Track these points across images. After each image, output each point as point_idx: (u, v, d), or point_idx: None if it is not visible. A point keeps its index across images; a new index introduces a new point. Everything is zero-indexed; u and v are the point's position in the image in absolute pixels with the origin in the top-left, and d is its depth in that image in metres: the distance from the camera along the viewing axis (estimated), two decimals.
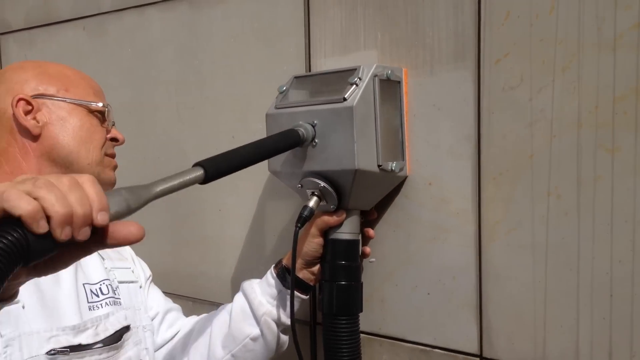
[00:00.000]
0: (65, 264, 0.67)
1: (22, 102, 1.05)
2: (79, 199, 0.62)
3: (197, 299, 1.52)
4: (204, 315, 1.28)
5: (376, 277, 1.19)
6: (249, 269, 1.39)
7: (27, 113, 1.05)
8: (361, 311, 1.13)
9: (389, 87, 1.09)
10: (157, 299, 1.26)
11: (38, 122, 1.06)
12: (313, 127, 1.05)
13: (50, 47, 1.80)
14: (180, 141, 1.51)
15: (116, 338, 1.06)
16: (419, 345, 1.14)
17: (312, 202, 1.09)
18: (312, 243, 1.12)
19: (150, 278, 1.27)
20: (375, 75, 1.05)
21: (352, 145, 1.02)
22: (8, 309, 0.91)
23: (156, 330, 1.22)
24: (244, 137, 1.23)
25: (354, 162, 1.02)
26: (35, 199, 0.59)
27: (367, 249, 1.18)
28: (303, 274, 1.15)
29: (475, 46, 1.04)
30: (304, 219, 1.08)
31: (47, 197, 0.60)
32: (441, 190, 1.09)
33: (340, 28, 1.21)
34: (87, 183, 0.64)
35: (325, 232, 1.12)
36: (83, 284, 1.07)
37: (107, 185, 1.13)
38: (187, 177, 0.83)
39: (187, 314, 1.31)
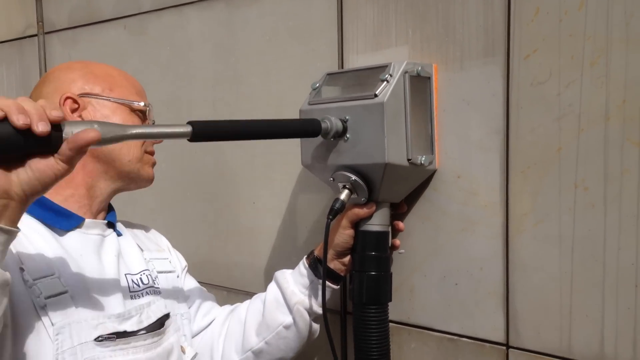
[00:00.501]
0: (43, 180, 0.78)
1: (69, 101, 1.11)
2: (31, 103, 0.77)
3: (232, 289, 1.57)
4: (237, 304, 1.32)
5: (405, 267, 1.22)
6: (282, 260, 1.43)
7: (73, 111, 1.11)
8: (390, 300, 1.16)
9: (419, 83, 1.12)
10: (193, 288, 1.30)
11: (83, 119, 1.11)
12: (344, 122, 1.09)
13: (93, 46, 1.87)
14: None
15: (158, 325, 1.11)
16: (446, 334, 1.17)
17: (343, 195, 1.12)
18: (343, 234, 1.16)
19: (186, 268, 1.32)
20: (406, 72, 1.08)
21: (382, 140, 1.05)
22: (57, 299, 0.97)
23: (192, 318, 1.27)
24: None
25: (384, 156, 1.05)
26: None
27: (397, 242, 1.21)
28: (334, 265, 1.18)
29: (505, 42, 1.06)
30: (336, 211, 1.11)
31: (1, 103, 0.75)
32: (470, 183, 1.12)
33: (373, 25, 1.24)
34: (42, 101, 0.80)
35: (356, 224, 1.16)
36: (125, 275, 1.12)
37: (145, 181, 1.18)
38: (172, 130, 0.88)
39: (221, 303, 1.35)
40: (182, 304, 1.23)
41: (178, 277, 1.26)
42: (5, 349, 0.89)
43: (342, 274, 1.20)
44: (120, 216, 1.23)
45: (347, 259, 1.18)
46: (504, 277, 1.08)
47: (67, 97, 1.10)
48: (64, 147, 0.78)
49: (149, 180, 1.18)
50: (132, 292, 1.11)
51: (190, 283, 1.31)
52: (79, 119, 1.11)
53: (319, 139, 1.10)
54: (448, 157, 1.14)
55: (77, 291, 1.01)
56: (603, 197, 0.96)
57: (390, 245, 1.18)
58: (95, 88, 1.13)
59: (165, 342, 1.12)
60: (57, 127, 0.78)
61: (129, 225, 1.24)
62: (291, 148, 1.29)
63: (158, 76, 1.69)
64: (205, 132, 0.92)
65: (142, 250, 1.20)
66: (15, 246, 0.95)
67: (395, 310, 1.22)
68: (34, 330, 0.93)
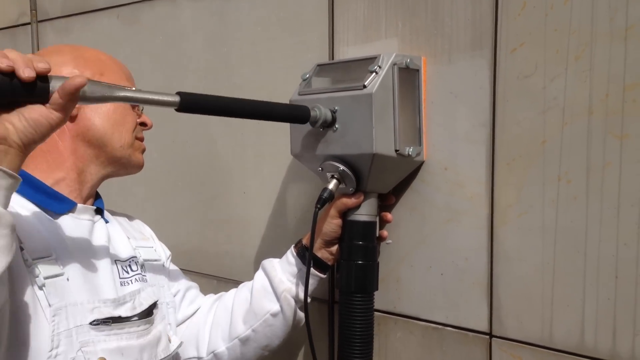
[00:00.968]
0: (37, 127, 0.82)
1: None
2: (17, 53, 0.80)
3: (222, 278, 1.59)
4: (222, 293, 1.34)
5: (392, 258, 1.23)
6: (271, 249, 1.44)
7: None
8: (376, 289, 1.17)
9: (408, 75, 1.13)
10: (177, 277, 1.32)
11: None
12: (334, 112, 1.10)
13: (86, 35, 1.88)
14: (208, 125, 1.57)
15: (148, 312, 1.12)
16: (431, 323, 1.19)
17: (331, 185, 1.13)
18: (331, 224, 1.17)
19: (170, 257, 1.33)
20: (395, 64, 1.10)
21: (370, 130, 1.07)
22: (54, 281, 0.98)
23: (178, 307, 1.28)
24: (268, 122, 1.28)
25: (372, 146, 1.07)
26: None
27: (385, 233, 1.23)
28: (322, 254, 1.20)
29: (492, 35, 1.07)
30: (324, 200, 1.13)
31: None
32: (456, 174, 1.13)
33: (363, 17, 1.25)
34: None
35: (344, 214, 1.17)
36: (115, 261, 1.13)
37: (135, 167, 1.18)
38: (160, 98, 0.90)
39: (210, 292, 1.37)
40: (167, 293, 1.24)
41: (164, 265, 1.28)
42: (4, 327, 0.89)
43: (329, 263, 1.21)
44: (112, 205, 1.24)
45: (334, 248, 1.20)
46: (488, 267, 1.10)
47: None
48: (55, 96, 0.82)
49: (139, 167, 1.19)
50: (122, 279, 1.12)
51: (174, 272, 1.32)
52: None
53: (308, 127, 1.11)
54: (435, 148, 1.16)
55: (73, 274, 1.02)
56: (585, 190, 0.98)
57: (377, 235, 1.19)
58: (86, 72, 1.13)
59: (155, 329, 1.13)
60: (44, 79, 0.82)
61: (113, 213, 1.24)
62: (281, 139, 1.30)
63: (150, 65, 1.70)
64: (193, 103, 0.94)
65: (128, 238, 1.21)
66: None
67: (382, 300, 1.23)
68: (32, 310, 0.94)
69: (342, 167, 1.12)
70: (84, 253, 1.06)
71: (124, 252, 1.17)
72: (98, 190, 1.18)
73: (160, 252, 1.29)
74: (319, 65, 1.21)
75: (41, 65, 0.81)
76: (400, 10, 1.19)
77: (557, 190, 1.01)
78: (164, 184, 1.68)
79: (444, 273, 1.16)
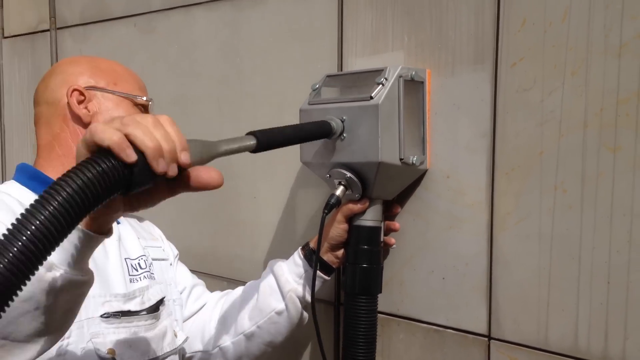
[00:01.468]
0: (153, 202, 0.76)
1: (76, 93, 1.17)
2: (163, 135, 0.69)
3: (232, 280, 1.63)
4: (228, 290, 1.39)
5: (396, 261, 1.28)
6: (280, 252, 1.48)
7: (80, 102, 1.17)
8: (380, 292, 1.22)
9: (413, 87, 1.18)
10: (184, 275, 1.38)
11: (89, 111, 1.18)
12: (342, 122, 1.15)
13: (103, 42, 1.94)
14: (221, 133, 1.62)
15: (155, 308, 1.17)
16: (433, 325, 1.23)
17: (338, 191, 1.18)
18: (338, 228, 1.22)
19: (178, 256, 1.39)
20: (400, 76, 1.14)
21: (376, 139, 1.11)
22: None
23: (184, 303, 1.34)
24: None
25: (378, 155, 1.11)
26: (125, 135, 0.67)
27: (392, 240, 1.27)
28: (327, 257, 1.25)
29: (493, 50, 1.12)
30: (331, 206, 1.17)
31: (135, 132, 0.67)
32: (458, 182, 1.18)
33: (371, 30, 1.30)
34: (167, 122, 0.72)
35: (350, 219, 1.22)
36: (125, 259, 1.19)
37: None
38: (243, 144, 0.88)
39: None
40: (174, 290, 1.30)
41: (171, 264, 1.33)
42: None
43: (334, 266, 1.26)
44: None
45: (340, 252, 1.24)
46: (487, 272, 1.15)
47: (74, 89, 1.17)
48: (178, 182, 0.75)
49: None
50: (131, 276, 1.18)
51: (181, 270, 1.38)
52: (86, 110, 1.17)
53: None
54: (438, 158, 1.20)
55: None
56: (580, 199, 1.03)
57: (382, 240, 1.24)
58: (101, 82, 1.19)
59: (160, 325, 1.18)
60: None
61: (125, 215, 1.30)
62: (290, 147, 1.35)
63: (165, 73, 1.75)
64: (267, 144, 0.92)
65: (138, 237, 1.27)
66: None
67: (385, 302, 1.28)
68: None
69: (349, 174, 1.17)
70: (97, 250, 1.12)
71: (133, 251, 1.22)
72: None
73: (169, 251, 1.35)
74: (328, 76, 1.26)
75: (183, 159, 0.72)
76: (406, 23, 1.24)
77: (554, 199, 1.05)
78: None
79: (446, 277, 1.20)
